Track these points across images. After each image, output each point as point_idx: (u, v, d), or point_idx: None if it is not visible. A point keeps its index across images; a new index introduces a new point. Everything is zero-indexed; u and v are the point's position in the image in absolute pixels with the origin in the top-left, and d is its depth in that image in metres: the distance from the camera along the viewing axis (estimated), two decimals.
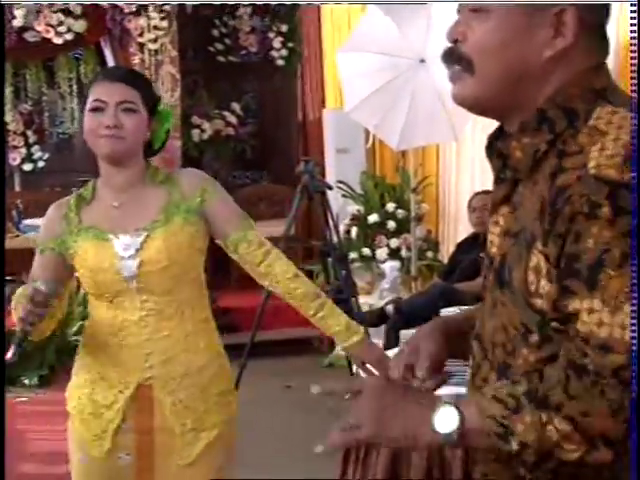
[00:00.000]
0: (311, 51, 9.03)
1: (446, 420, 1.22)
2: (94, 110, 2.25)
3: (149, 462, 2.29)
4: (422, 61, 5.59)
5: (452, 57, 1.36)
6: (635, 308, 1.16)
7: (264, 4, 8.88)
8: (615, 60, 4.97)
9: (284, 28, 9.02)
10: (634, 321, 1.16)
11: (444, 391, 1.42)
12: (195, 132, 8.47)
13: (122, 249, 2.23)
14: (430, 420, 1.23)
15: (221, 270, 8.63)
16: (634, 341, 1.16)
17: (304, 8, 8.88)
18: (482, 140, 5.40)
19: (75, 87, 8.27)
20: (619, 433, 1.16)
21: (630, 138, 1.18)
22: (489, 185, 5.26)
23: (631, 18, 1.36)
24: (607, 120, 1.23)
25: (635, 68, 1.35)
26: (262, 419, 5.23)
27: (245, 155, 8.89)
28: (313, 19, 8.86)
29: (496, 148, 1.37)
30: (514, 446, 1.19)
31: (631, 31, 1.36)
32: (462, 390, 1.46)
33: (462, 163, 6.92)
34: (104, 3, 7.68)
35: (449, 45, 1.37)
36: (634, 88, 1.35)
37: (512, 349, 1.31)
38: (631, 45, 1.36)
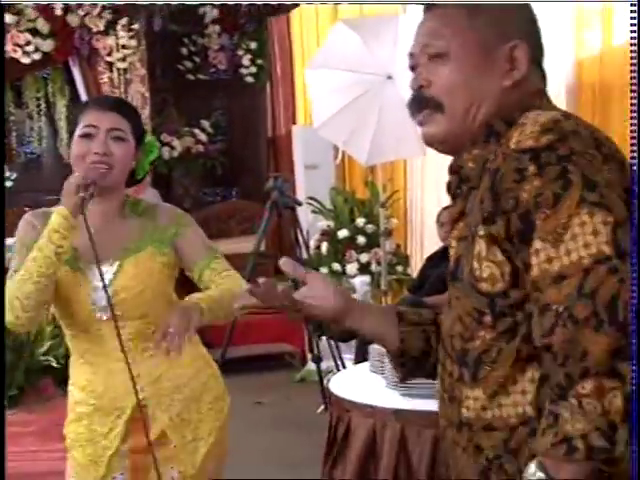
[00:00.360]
0: (280, 68, 9.07)
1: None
2: (84, 136, 2.26)
3: (143, 477, 2.31)
4: (389, 77, 5.63)
5: (420, 102, 1.47)
6: (635, 308, 1.20)
7: (233, 22, 8.92)
8: (574, 75, 5.07)
9: (253, 45, 9.06)
10: (634, 322, 1.19)
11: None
12: (165, 150, 8.47)
13: (96, 279, 2.24)
14: None
15: (191, 287, 8.63)
16: (634, 340, 1.19)
17: (275, 23, 8.93)
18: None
19: (43, 106, 8.27)
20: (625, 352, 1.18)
21: (545, 119, 1.31)
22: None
23: (631, 18, 1.41)
24: (531, 117, 1.34)
25: (635, 68, 1.39)
26: (233, 435, 5.22)
27: (215, 172, 8.91)
28: (282, 36, 8.91)
29: (451, 165, 1.50)
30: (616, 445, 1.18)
31: (631, 31, 1.41)
32: None
33: (428, 177, 6.98)
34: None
35: (414, 93, 1.48)
36: (634, 88, 1.40)
37: (469, 335, 1.39)
38: (631, 45, 1.42)
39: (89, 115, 2.28)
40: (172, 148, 8.53)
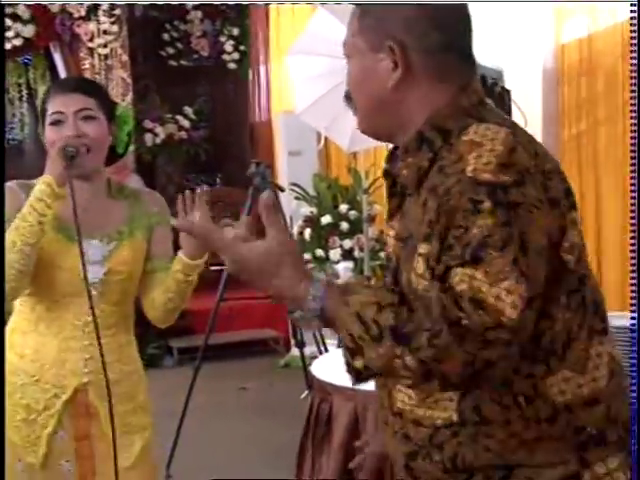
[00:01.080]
0: (262, 54, 9.05)
1: (311, 297, 1.37)
2: (54, 124, 2.26)
3: (90, 467, 2.31)
4: None
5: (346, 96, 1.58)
6: (635, 308, 1.24)
7: (215, 8, 8.88)
8: (555, 62, 5.08)
9: (235, 32, 9.03)
10: (634, 321, 1.23)
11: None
12: (148, 136, 8.45)
13: (90, 253, 2.24)
14: (300, 287, 1.38)
15: None
16: (634, 341, 1.24)
17: (254, 11, 8.90)
18: None
19: (24, 92, 8.21)
20: (458, 382, 1.31)
21: (502, 148, 1.35)
22: None
23: (631, 18, 1.44)
24: (482, 134, 1.38)
25: (635, 68, 1.41)
26: (217, 421, 5.24)
27: (199, 158, 8.89)
28: (261, 21, 8.88)
29: (385, 169, 1.56)
30: (357, 364, 1.34)
31: (631, 31, 1.43)
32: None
33: None
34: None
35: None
36: (634, 88, 1.42)
37: None
38: (631, 45, 1.44)
39: (54, 101, 2.28)
40: (155, 135, 8.51)
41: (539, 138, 5.30)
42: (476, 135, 1.38)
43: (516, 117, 4.27)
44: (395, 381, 1.50)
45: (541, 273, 1.31)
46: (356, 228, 6.87)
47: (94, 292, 2.25)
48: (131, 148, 8.74)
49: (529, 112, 4.58)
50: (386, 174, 1.57)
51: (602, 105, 4.78)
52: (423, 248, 1.38)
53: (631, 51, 1.46)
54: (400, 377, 1.37)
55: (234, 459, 4.64)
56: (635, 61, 1.43)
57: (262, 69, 9.06)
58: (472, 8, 5.41)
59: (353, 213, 6.99)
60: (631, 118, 1.43)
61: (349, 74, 1.56)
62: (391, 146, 1.60)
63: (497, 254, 1.27)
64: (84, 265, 2.15)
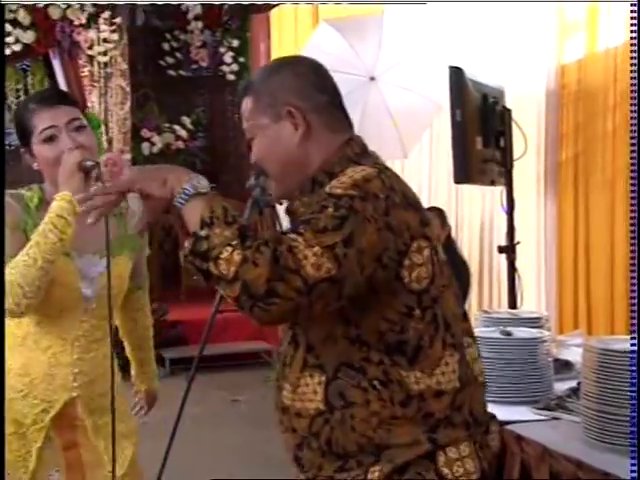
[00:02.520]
0: (260, 66, 9.06)
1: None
2: (47, 140, 2.22)
3: (80, 475, 2.30)
4: (372, 79, 5.64)
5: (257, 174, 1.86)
6: (635, 308, 1.25)
7: (216, 18, 8.90)
8: (556, 82, 5.08)
9: (235, 43, 9.04)
10: (634, 321, 1.24)
11: None
12: (145, 145, 8.45)
13: (86, 268, 2.24)
14: (177, 180, 1.67)
15: (171, 283, 8.62)
16: (634, 341, 1.28)
17: (254, 24, 8.91)
18: (429, 158, 5.47)
19: (22, 98, 8.20)
20: (252, 301, 1.53)
21: (360, 176, 1.64)
22: (434, 202, 5.31)
23: (631, 18, 1.45)
24: (351, 171, 1.69)
25: (635, 68, 1.42)
26: (209, 432, 5.21)
27: (195, 169, 8.85)
28: (262, 35, 8.89)
29: (287, 208, 1.84)
30: (202, 232, 1.59)
31: (631, 31, 1.45)
32: None
33: (408, 180, 6.97)
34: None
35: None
36: (634, 88, 1.43)
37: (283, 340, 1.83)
38: (631, 45, 1.45)
39: (41, 116, 2.23)
40: (152, 144, 8.51)
41: (540, 158, 5.32)
42: (347, 172, 1.69)
43: (516, 136, 4.28)
44: (283, 378, 1.75)
45: (356, 268, 1.57)
46: None
47: (93, 306, 2.25)
48: (128, 157, 8.78)
49: (530, 132, 4.59)
50: (287, 212, 1.84)
51: (592, 129, 4.80)
52: None
53: (631, 51, 1.47)
54: (212, 274, 1.57)
55: (226, 470, 4.62)
56: (635, 61, 1.43)
57: None
58: (474, 26, 5.45)
59: None
60: (630, 118, 1.43)
61: (256, 152, 1.82)
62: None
63: (321, 233, 1.55)
64: (109, 280, 2.18)
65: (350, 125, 1.84)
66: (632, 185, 1.77)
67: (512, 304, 4.19)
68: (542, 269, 5.21)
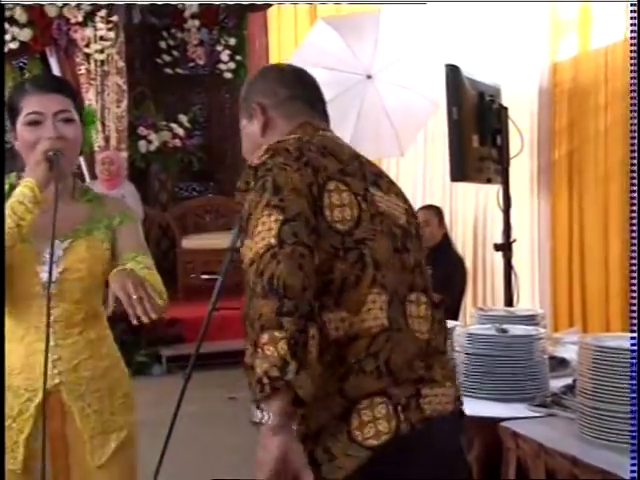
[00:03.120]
0: (258, 64, 9.04)
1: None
2: (31, 124, 2.21)
3: (64, 465, 2.28)
4: (369, 77, 5.65)
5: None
6: (635, 308, 1.26)
7: (212, 17, 8.90)
8: (549, 80, 5.09)
9: (232, 41, 9.04)
10: (634, 321, 1.25)
11: None
12: (142, 143, 8.44)
13: (42, 254, 2.21)
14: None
15: (167, 281, 8.59)
16: (634, 341, 1.28)
17: (252, 21, 8.91)
18: (424, 156, 5.47)
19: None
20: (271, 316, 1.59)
21: (273, 144, 1.85)
22: (430, 199, 5.33)
23: (631, 18, 1.46)
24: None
25: (635, 68, 1.43)
26: (205, 431, 5.22)
27: (192, 167, 8.89)
28: (260, 32, 8.88)
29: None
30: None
31: (631, 31, 1.46)
32: None
33: (403, 177, 6.99)
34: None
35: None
36: (634, 88, 1.44)
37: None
38: (631, 45, 1.46)
39: (31, 100, 2.22)
40: (149, 142, 8.51)
41: (533, 156, 5.33)
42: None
43: (513, 134, 4.29)
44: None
45: (295, 203, 1.71)
46: None
47: (53, 292, 2.20)
48: (125, 154, 8.76)
49: (523, 130, 4.60)
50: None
51: (585, 127, 4.81)
52: None
53: (631, 51, 1.48)
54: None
55: (223, 468, 4.62)
56: (635, 61, 1.44)
57: None
58: (470, 24, 5.46)
59: None
60: (631, 118, 1.45)
61: (243, 150, 2.08)
62: None
63: (253, 214, 1.71)
64: (51, 267, 2.13)
65: (315, 113, 2.03)
66: (632, 185, 1.77)
67: (508, 302, 4.21)
68: (536, 267, 5.22)
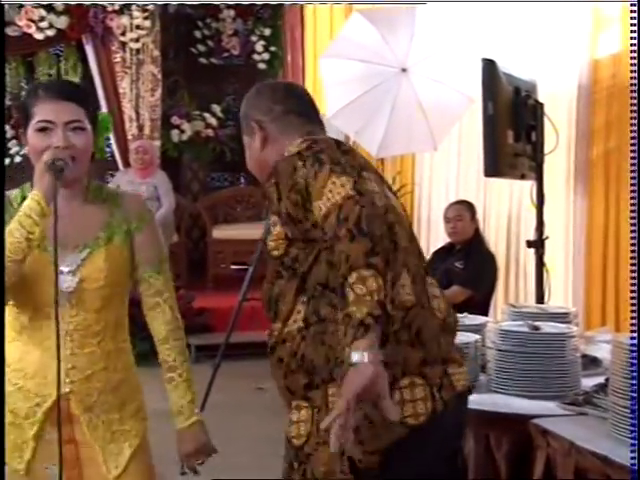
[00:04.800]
0: (293, 56, 9.04)
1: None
2: (41, 130, 2.19)
3: (78, 472, 2.27)
4: (404, 70, 5.63)
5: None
6: (635, 308, 1.26)
7: (248, 7, 8.90)
8: (589, 77, 5.04)
9: (267, 32, 9.04)
10: (634, 321, 1.25)
11: None
12: (175, 133, 8.47)
13: (63, 263, 2.20)
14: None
15: (197, 271, 8.65)
16: (634, 341, 1.29)
17: (288, 13, 8.91)
18: (458, 151, 5.44)
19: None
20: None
21: (310, 138, 2.07)
22: (463, 195, 5.31)
23: (631, 18, 1.45)
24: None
25: (635, 68, 1.42)
26: (233, 420, 5.24)
27: (224, 157, 8.90)
28: (296, 24, 8.88)
29: (263, 192, 2.15)
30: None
31: (631, 31, 1.44)
32: None
33: (437, 173, 6.97)
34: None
35: None
36: (634, 88, 1.43)
37: (270, 288, 2.09)
38: (631, 45, 1.45)
39: (43, 107, 2.20)
40: (182, 131, 8.53)
41: (570, 153, 5.28)
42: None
43: (547, 131, 4.25)
44: (274, 318, 2.06)
45: (355, 172, 1.96)
46: None
47: (73, 301, 2.21)
48: (157, 143, 8.78)
49: (560, 127, 4.55)
50: (263, 197, 2.16)
51: (624, 126, 4.76)
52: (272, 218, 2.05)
53: (631, 51, 1.47)
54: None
55: (250, 457, 4.65)
56: (635, 61, 1.43)
57: (295, 71, 9.05)
58: (507, 19, 5.41)
59: None
60: (631, 118, 1.43)
61: (247, 165, 2.29)
62: None
63: (314, 181, 1.92)
64: (56, 275, 2.12)
65: (312, 124, 2.20)
66: (632, 185, 1.75)
67: (540, 299, 4.18)
68: (570, 265, 5.18)
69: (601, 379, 2.66)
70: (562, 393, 2.66)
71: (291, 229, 2.00)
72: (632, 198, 1.84)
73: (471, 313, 3.37)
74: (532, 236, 4.34)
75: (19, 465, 2.26)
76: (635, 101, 1.39)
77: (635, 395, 1.61)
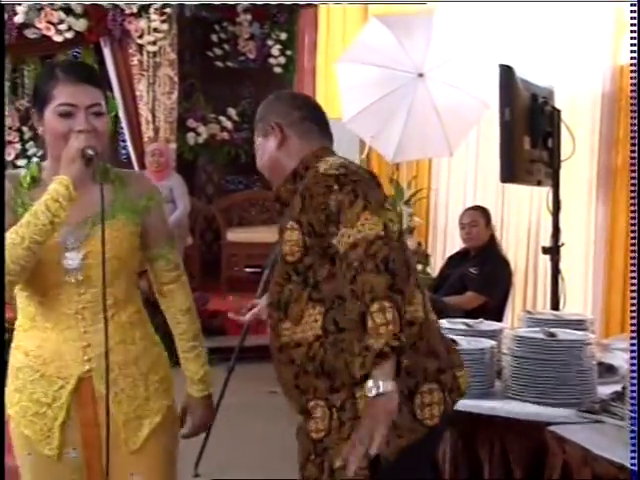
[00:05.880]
0: (306, 59, 9.06)
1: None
2: (63, 115, 2.20)
3: (97, 453, 2.27)
4: (420, 75, 5.63)
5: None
6: (635, 308, 1.26)
7: (264, 11, 8.93)
8: (612, 82, 5.02)
9: (283, 36, 9.06)
10: (634, 321, 1.25)
11: None
12: (190, 135, 8.49)
13: (66, 240, 2.22)
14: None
15: (211, 273, 8.67)
16: (634, 340, 1.30)
17: (302, 17, 8.92)
18: (475, 156, 5.43)
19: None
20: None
21: (336, 162, 2.18)
22: (480, 200, 5.29)
23: (631, 18, 1.45)
24: (322, 162, 2.22)
25: (635, 68, 1.42)
26: (246, 423, 5.24)
27: (239, 160, 8.92)
28: (309, 27, 8.89)
29: (275, 195, 2.36)
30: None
31: (631, 31, 1.44)
32: None
33: (454, 178, 6.96)
34: (104, 3, 7.71)
35: None
36: (634, 88, 1.43)
37: (280, 290, 2.23)
38: (631, 45, 1.44)
39: (64, 90, 2.20)
40: (197, 134, 8.55)
41: (593, 160, 5.25)
42: (318, 163, 2.22)
43: (565, 137, 4.24)
44: (282, 319, 2.21)
45: (382, 210, 2.10)
46: None
47: (79, 278, 2.22)
48: (173, 146, 8.79)
49: (581, 134, 4.53)
50: (275, 199, 2.36)
51: None
52: (291, 224, 2.19)
53: (631, 51, 1.46)
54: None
55: (261, 460, 4.65)
56: (635, 61, 1.43)
57: (308, 74, 9.06)
58: (526, 24, 5.38)
59: None
60: (631, 118, 1.42)
61: (257, 163, 2.42)
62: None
63: (348, 210, 2.05)
64: (103, 253, 2.16)
65: (324, 134, 2.37)
66: (632, 185, 1.75)
67: (554, 305, 4.17)
68: (590, 272, 5.16)
69: (617, 387, 2.65)
70: (578, 400, 2.65)
71: (311, 240, 2.15)
72: (632, 198, 1.83)
73: (485, 319, 3.36)
74: (549, 242, 4.32)
75: (50, 452, 2.27)
76: (635, 101, 1.39)
77: (635, 395, 1.60)
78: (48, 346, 2.26)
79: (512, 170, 4.04)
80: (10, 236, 2.12)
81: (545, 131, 4.14)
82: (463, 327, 3.17)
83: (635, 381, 2.01)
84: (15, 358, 2.32)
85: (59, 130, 2.20)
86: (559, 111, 4.23)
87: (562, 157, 4.22)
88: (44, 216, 2.12)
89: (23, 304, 2.31)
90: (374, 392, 1.88)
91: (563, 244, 4.28)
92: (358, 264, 1.96)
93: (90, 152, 2.16)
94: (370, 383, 1.89)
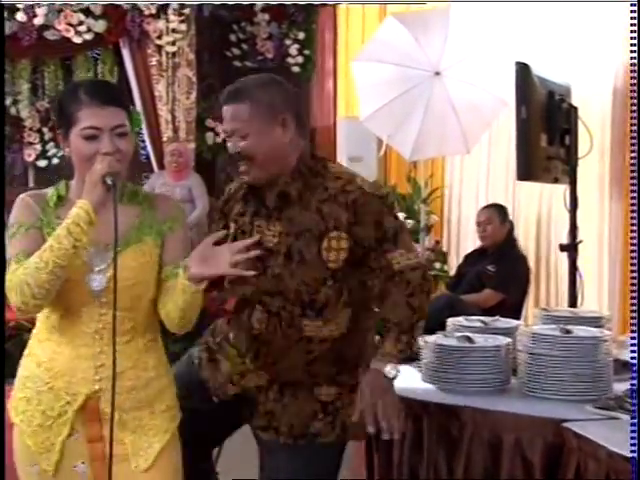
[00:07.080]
0: (325, 59, 9.06)
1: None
2: (87, 138, 2.22)
3: (103, 468, 2.27)
4: (437, 73, 5.64)
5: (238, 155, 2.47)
6: (635, 308, 1.27)
7: (282, 11, 8.94)
8: (624, 79, 5.01)
9: (301, 35, 9.06)
10: (634, 321, 1.26)
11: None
12: (209, 135, 8.52)
13: (93, 262, 2.25)
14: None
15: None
16: (634, 341, 1.32)
17: (322, 16, 8.92)
18: (488, 154, 5.45)
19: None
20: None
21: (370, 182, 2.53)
22: (493, 198, 5.31)
23: (631, 18, 1.46)
24: (338, 168, 2.56)
25: (635, 68, 1.43)
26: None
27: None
28: (328, 27, 8.90)
29: (274, 191, 2.46)
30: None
31: (631, 31, 1.45)
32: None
33: (467, 176, 6.96)
34: (116, 3, 7.75)
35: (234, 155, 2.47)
36: (634, 88, 1.44)
37: (313, 292, 2.44)
38: (631, 45, 1.45)
39: (88, 113, 2.22)
40: (216, 134, 8.57)
41: (605, 157, 5.24)
42: (337, 169, 2.52)
43: (582, 135, 4.23)
44: (313, 317, 2.45)
45: None
46: (413, 237, 6.85)
47: (103, 300, 2.25)
48: (192, 146, 8.82)
49: (594, 131, 4.53)
50: (280, 195, 2.44)
51: None
52: (339, 234, 2.41)
53: (631, 51, 1.47)
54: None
55: None
56: (635, 61, 1.44)
57: (328, 74, 9.08)
58: (541, 22, 5.40)
59: (410, 222, 6.98)
60: (631, 118, 1.43)
61: (249, 146, 2.40)
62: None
63: (403, 234, 2.48)
64: (115, 277, 2.18)
65: (306, 134, 2.55)
66: (632, 185, 1.75)
67: (572, 303, 4.17)
68: (605, 269, 5.15)
69: None
70: (594, 397, 2.66)
71: (359, 251, 2.41)
72: (632, 198, 1.84)
73: (503, 316, 3.37)
74: (563, 239, 4.32)
75: (48, 467, 2.29)
76: (635, 101, 1.40)
77: (635, 395, 1.60)
78: (61, 359, 2.29)
79: (529, 168, 4.05)
80: (34, 260, 2.17)
81: (562, 128, 4.14)
82: (479, 324, 3.18)
83: (635, 381, 2.00)
84: (25, 367, 2.35)
85: (84, 153, 2.24)
86: (576, 108, 4.22)
87: (579, 154, 4.22)
88: (66, 240, 2.16)
89: (42, 315, 2.33)
90: (393, 374, 2.36)
91: (581, 241, 4.28)
92: (417, 284, 2.40)
93: (109, 181, 2.18)
94: (389, 367, 2.36)
